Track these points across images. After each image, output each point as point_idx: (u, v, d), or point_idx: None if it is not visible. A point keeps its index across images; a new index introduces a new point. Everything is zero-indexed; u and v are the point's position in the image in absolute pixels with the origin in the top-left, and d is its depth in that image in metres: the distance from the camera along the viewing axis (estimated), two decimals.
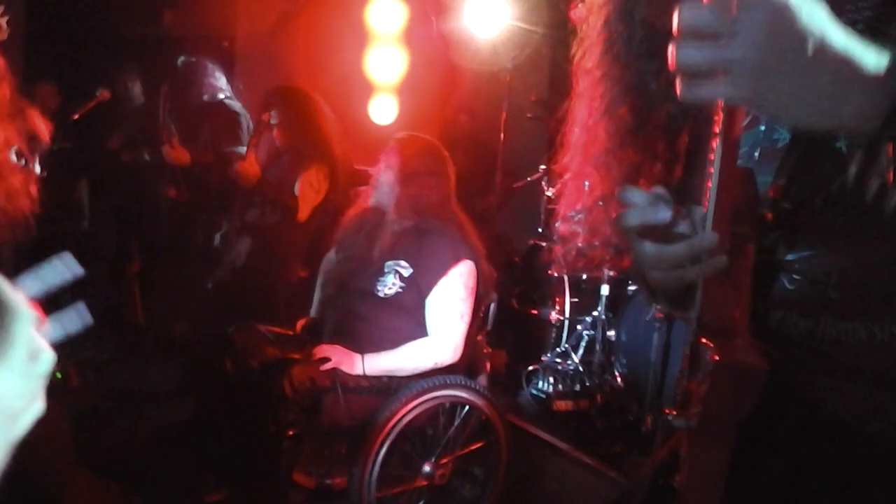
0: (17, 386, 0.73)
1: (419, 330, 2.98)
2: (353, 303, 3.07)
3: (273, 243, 4.02)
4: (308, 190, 3.91)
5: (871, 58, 0.78)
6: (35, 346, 0.74)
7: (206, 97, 4.67)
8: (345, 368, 2.85)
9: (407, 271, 2.99)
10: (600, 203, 1.25)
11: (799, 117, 0.80)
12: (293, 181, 3.92)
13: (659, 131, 1.16)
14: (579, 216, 1.33)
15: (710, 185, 0.89)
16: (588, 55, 1.24)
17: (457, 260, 2.96)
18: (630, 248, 0.99)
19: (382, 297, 2.99)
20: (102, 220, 5.22)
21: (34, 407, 0.77)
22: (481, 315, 3.16)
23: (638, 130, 1.18)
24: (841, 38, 0.77)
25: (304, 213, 3.94)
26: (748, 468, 1.05)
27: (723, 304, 0.96)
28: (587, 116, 1.24)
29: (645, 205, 0.93)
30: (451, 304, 2.94)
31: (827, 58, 0.76)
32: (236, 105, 4.72)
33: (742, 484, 1.04)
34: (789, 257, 1.05)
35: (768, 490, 1.08)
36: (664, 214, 0.91)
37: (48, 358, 0.76)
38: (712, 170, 0.89)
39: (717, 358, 0.95)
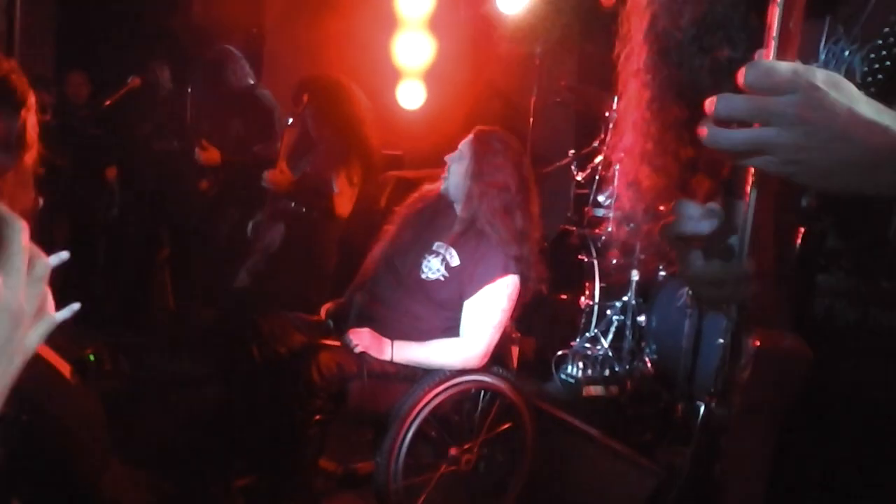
0: (22, 289, 0.76)
1: (450, 326, 2.95)
2: (388, 285, 3.05)
3: (309, 238, 4.01)
4: (346, 186, 3.86)
5: None
6: (31, 252, 0.78)
7: (236, 88, 4.62)
8: (373, 353, 2.84)
9: (454, 261, 2.95)
10: (653, 212, 1.26)
11: (834, 187, 0.84)
12: (329, 177, 3.85)
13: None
14: (632, 224, 1.35)
15: (746, 213, 0.91)
16: (634, 56, 1.24)
17: (506, 272, 2.90)
18: (678, 257, 1.00)
19: (422, 280, 2.97)
20: (132, 206, 5.26)
21: (45, 317, 0.81)
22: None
23: (692, 127, 1.19)
24: (870, 109, 0.80)
25: (344, 209, 3.91)
26: (793, 460, 1.04)
27: (765, 293, 0.95)
28: (638, 118, 1.24)
29: (697, 217, 0.94)
30: (490, 313, 2.90)
31: (858, 130, 0.79)
32: (267, 96, 4.67)
33: (786, 475, 1.03)
34: (838, 246, 1.05)
35: (813, 482, 1.07)
36: (704, 225, 0.92)
37: (44, 263, 0.80)
38: (748, 203, 0.91)
39: (758, 344, 0.94)
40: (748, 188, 0.90)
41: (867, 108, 0.80)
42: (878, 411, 1.01)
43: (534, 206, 3.04)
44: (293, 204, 3.99)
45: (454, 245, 2.97)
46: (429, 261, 2.99)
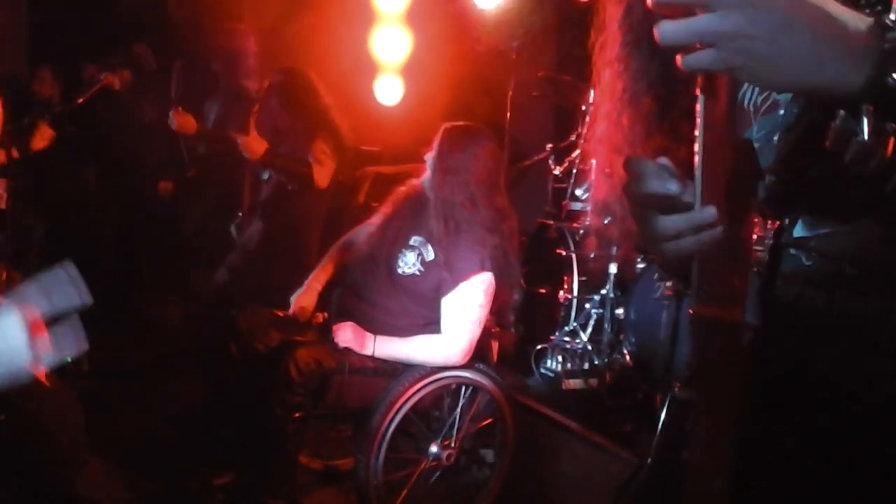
0: None
1: (428, 322, 2.96)
2: (367, 281, 3.06)
3: (290, 224, 4.00)
4: (322, 156, 3.90)
5: (849, 18, 0.79)
6: None
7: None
8: (355, 348, 2.85)
9: (430, 256, 2.96)
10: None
11: (779, 80, 0.82)
12: (303, 153, 3.90)
13: (683, 119, 1.16)
14: (604, 208, 1.35)
15: (695, 160, 0.89)
16: (608, 46, 1.24)
17: (482, 268, 2.92)
18: (635, 218, 1.00)
19: (399, 275, 2.98)
20: (108, 203, 5.22)
21: None
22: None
23: (663, 120, 1.19)
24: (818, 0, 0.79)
25: (323, 180, 3.93)
26: (760, 444, 1.05)
27: (720, 272, 0.96)
28: (610, 108, 1.24)
29: (651, 174, 0.93)
30: (468, 309, 2.90)
31: (803, 17, 0.78)
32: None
33: (753, 460, 1.03)
34: (805, 234, 1.05)
35: (781, 463, 1.07)
36: (671, 186, 0.92)
37: None
38: (697, 140, 0.88)
39: (691, 312, 0.95)
40: (696, 114, 0.87)
41: None
42: (847, 395, 1.02)
43: (503, 199, 3.06)
44: (269, 175, 3.99)
45: (429, 240, 2.98)
46: (405, 255, 2.99)
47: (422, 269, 2.96)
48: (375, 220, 3.24)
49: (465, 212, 2.94)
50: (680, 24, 0.79)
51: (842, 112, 0.83)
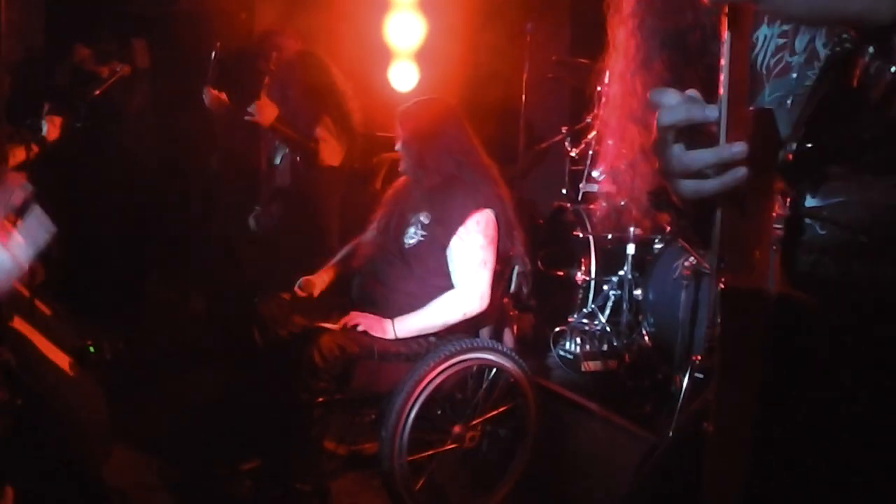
0: None
1: (443, 282, 3.00)
2: (381, 266, 3.11)
3: (310, 201, 4.04)
4: (326, 135, 3.93)
5: None
6: None
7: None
8: (377, 334, 2.88)
9: (427, 219, 3.03)
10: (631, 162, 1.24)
11: (806, 10, 0.80)
12: (310, 130, 3.96)
13: (697, 83, 1.15)
14: (614, 175, 1.33)
15: (721, 93, 0.87)
16: (621, 6, 1.23)
17: (476, 208, 2.97)
18: (659, 153, 0.97)
19: (407, 250, 3.04)
20: (127, 192, 5.24)
21: None
22: (507, 276, 3.16)
23: (675, 83, 1.18)
24: None
25: (330, 157, 3.95)
26: (779, 411, 1.06)
27: (742, 243, 0.95)
28: (623, 69, 1.23)
29: (682, 102, 0.92)
30: (471, 253, 2.95)
31: None
32: None
33: (773, 428, 1.04)
34: (820, 204, 1.05)
35: (800, 433, 1.08)
36: (709, 112, 0.90)
37: None
38: (722, 78, 0.87)
39: (721, 286, 0.95)
40: (723, 37, 0.86)
41: None
42: (865, 362, 1.02)
43: (485, 159, 3.15)
44: (281, 160, 4.01)
45: (424, 207, 3.05)
46: (408, 230, 3.06)
47: (424, 233, 3.02)
48: (381, 209, 3.30)
49: (449, 169, 3.04)
50: None
51: (870, 48, 0.82)
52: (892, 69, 0.81)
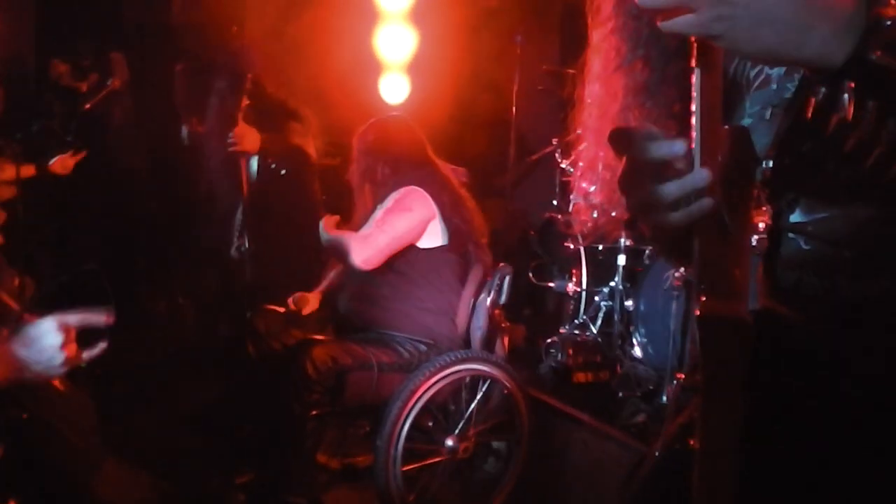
0: None
1: (407, 284, 3.05)
2: (359, 279, 3.13)
3: (293, 211, 4.04)
4: (299, 137, 3.96)
5: None
6: None
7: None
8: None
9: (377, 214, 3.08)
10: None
11: (759, 50, 0.80)
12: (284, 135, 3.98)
13: (675, 86, 1.14)
14: (592, 186, 1.32)
15: (693, 122, 0.87)
16: (601, 8, 1.23)
17: (398, 186, 3.04)
18: (626, 191, 0.97)
19: None
20: (117, 203, 5.23)
21: None
22: (497, 288, 3.17)
23: (654, 85, 1.17)
24: None
25: (314, 153, 4.01)
26: (765, 427, 1.06)
27: (721, 263, 0.94)
28: (602, 70, 1.23)
29: (645, 139, 0.91)
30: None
31: None
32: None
33: (759, 443, 1.04)
34: (803, 219, 1.05)
35: (786, 449, 1.08)
36: (676, 147, 0.90)
37: None
38: (694, 107, 0.87)
39: (698, 313, 0.94)
40: (693, 75, 0.85)
41: None
42: (851, 378, 1.02)
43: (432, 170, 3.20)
44: (264, 161, 4.02)
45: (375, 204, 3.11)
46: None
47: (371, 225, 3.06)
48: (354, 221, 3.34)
49: (389, 173, 3.12)
50: None
51: (822, 88, 0.83)
52: (843, 113, 0.82)
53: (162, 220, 5.20)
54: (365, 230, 2.97)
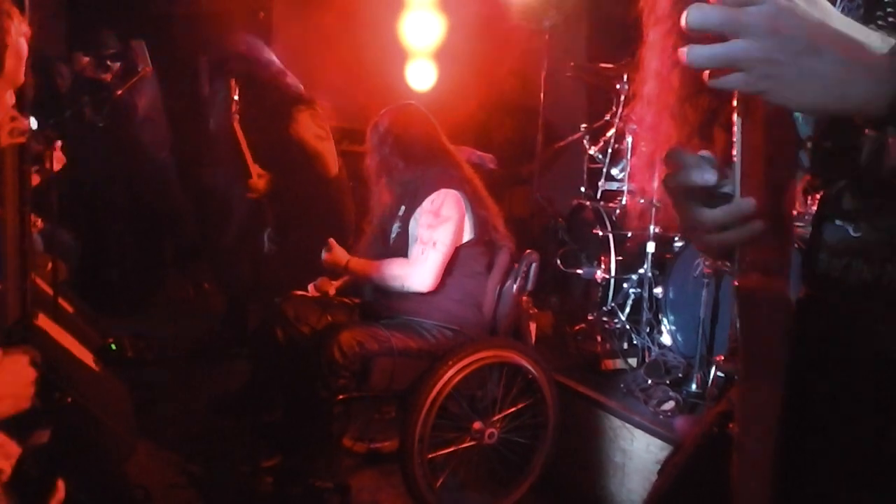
0: None
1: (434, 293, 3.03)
2: (375, 246, 3.20)
3: (315, 205, 4.06)
4: (310, 136, 3.95)
5: (873, 41, 0.81)
6: None
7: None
8: (335, 260, 3.05)
9: (402, 211, 3.10)
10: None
11: (805, 103, 0.83)
12: (286, 138, 3.97)
13: None
14: (647, 170, 1.34)
15: (734, 154, 0.90)
16: (658, 5, 1.24)
17: (433, 189, 3.01)
18: (676, 208, 1.00)
19: (391, 245, 3.11)
20: (141, 196, 5.28)
21: None
22: (524, 275, 3.16)
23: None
24: (842, 24, 0.80)
25: (333, 160, 4.01)
26: (809, 416, 1.05)
27: (762, 244, 0.95)
28: (660, 66, 1.24)
29: (691, 166, 0.95)
30: (423, 231, 2.98)
31: (829, 42, 0.79)
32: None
33: (801, 431, 1.03)
34: (853, 206, 1.05)
35: (831, 439, 1.07)
36: (709, 177, 0.93)
37: None
38: (735, 141, 0.89)
39: (736, 284, 0.95)
40: (734, 118, 0.88)
41: (840, 22, 0.80)
42: (894, 368, 1.01)
43: (453, 157, 3.22)
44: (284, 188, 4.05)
45: (401, 202, 3.12)
46: (392, 227, 3.14)
47: (400, 225, 3.09)
48: (375, 210, 3.35)
49: (418, 165, 3.11)
50: (710, 50, 0.81)
51: (870, 133, 0.84)
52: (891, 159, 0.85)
53: (189, 206, 5.24)
54: (415, 254, 2.97)
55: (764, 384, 0.97)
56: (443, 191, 3.00)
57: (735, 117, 0.88)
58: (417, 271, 2.95)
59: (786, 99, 0.82)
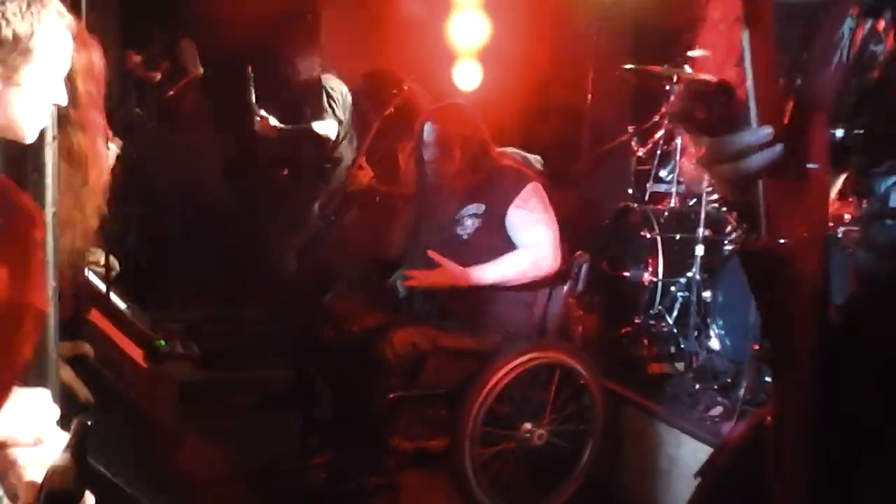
0: None
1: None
2: (437, 244, 3.13)
3: (385, 223, 4.09)
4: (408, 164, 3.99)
5: None
6: None
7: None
8: (458, 281, 2.95)
9: (480, 209, 3.07)
10: None
11: None
12: (396, 162, 4.04)
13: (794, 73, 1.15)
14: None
15: (747, 81, 0.90)
16: (720, 5, 1.23)
17: (521, 181, 3.04)
18: (694, 141, 1.00)
19: (465, 240, 3.08)
20: (193, 195, 5.34)
21: None
22: (574, 277, 3.15)
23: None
24: None
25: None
26: (857, 419, 1.04)
27: (789, 221, 0.94)
28: (723, 62, 1.24)
29: (708, 97, 0.95)
30: (532, 216, 3.01)
31: None
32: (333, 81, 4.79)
33: (847, 433, 1.03)
34: None
35: (883, 438, 1.06)
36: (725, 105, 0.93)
37: None
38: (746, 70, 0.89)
39: (739, 248, 0.97)
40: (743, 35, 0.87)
41: None
42: None
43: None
44: (369, 198, 4.09)
45: (473, 200, 3.10)
46: (463, 225, 3.10)
47: (479, 221, 3.07)
48: (413, 219, 3.39)
49: (479, 157, 3.11)
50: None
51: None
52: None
53: (238, 203, 5.30)
54: (532, 238, 3.00)
55: (796, 374, 0.97)
56: (534, 183, 3.05)
57: (744, 42, 0.88)
58: (543, 249, 2.98)
59: None
